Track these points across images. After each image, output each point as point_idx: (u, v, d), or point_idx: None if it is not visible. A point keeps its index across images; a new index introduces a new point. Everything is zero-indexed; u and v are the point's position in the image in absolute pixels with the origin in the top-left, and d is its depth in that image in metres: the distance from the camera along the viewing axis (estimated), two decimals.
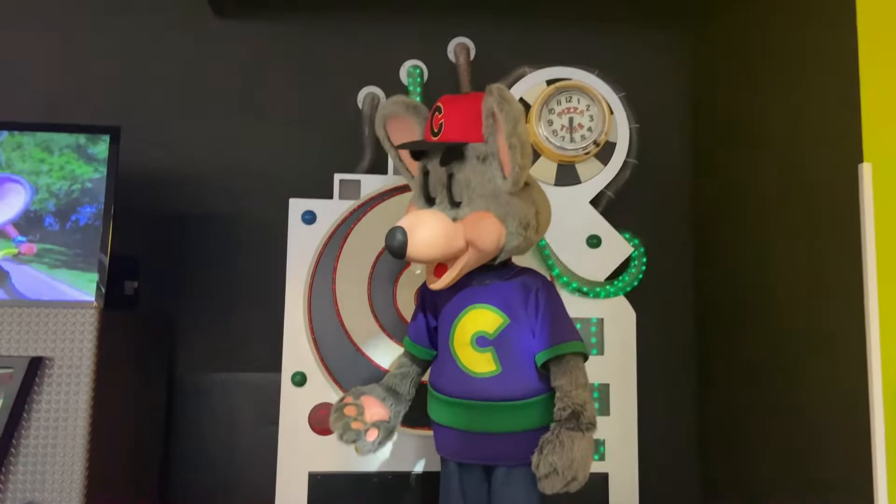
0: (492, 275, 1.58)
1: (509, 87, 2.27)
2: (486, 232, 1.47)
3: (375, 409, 1.62)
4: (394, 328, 2.12)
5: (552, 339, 1.51)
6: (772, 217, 1.80)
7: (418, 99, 2.34)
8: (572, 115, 2.17)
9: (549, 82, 2.27)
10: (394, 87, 2.40)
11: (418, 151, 1.57)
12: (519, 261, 1.68)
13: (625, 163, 2.21)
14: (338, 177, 2.20)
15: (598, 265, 2.16)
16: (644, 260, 2.20)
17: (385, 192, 2.18)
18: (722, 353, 2.10)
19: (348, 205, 2.17)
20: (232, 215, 2.36)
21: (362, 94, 2.40)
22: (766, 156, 1.86)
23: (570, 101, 2.19)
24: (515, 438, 1.51)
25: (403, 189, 2.18)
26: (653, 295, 2.30)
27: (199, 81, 2.43)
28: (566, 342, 1.51)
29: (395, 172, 2.22)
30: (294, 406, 2.07)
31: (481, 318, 1.54)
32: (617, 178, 2.21)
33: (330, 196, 2.19)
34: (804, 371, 1.66)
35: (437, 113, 1.54)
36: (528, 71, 2.30)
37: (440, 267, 1.52)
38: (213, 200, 2.37)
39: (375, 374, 2.07)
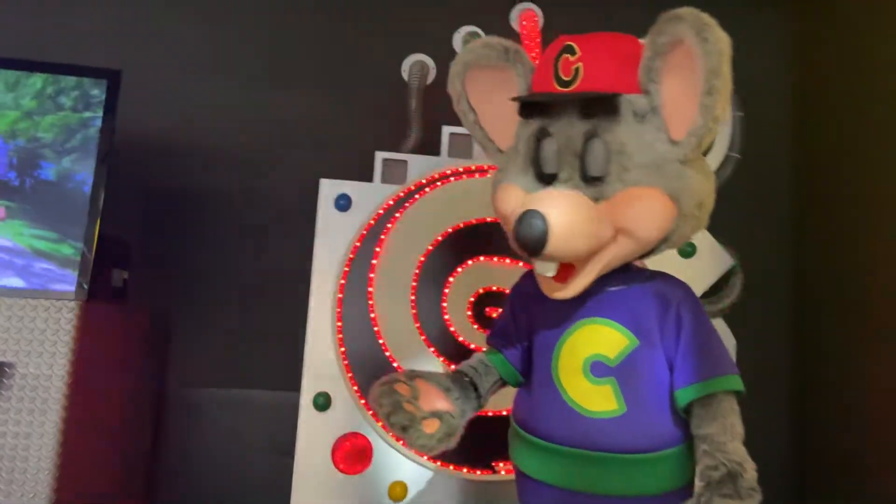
0: (615, 278, 1.18)
1: None
2: (649, 215, 1.09)
3: (435, 397, 1.20)
4: (442, 344, 1.77)
5: (701, 372, 1.13)
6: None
7: None
8: None
9: None
10: (446, 56, 2.06)
11: (528, 110, 1.16)
12: None
13: (726, 157, 1.88)
14: (380, 156, 1.85)
15: (691, 278, 1.80)
16: (741, 276, 1.87)
17: (438, 176, 1.82)
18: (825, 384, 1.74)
19: (392, 190, 1.81)
20: (248, 196, 1.99)
21: (408, 62, 2.05)
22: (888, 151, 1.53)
23: None
24: (648, 502, 1.14)
25: (461, 174, 1.83)
26: (751, 315, 1.94)
27: (214, 35, 2.07)
28: (720, 377, 1.13)
29: (452, 153, 1.86)
30: (314, 435, 1.72)
31: (599, 338, 1.16)
32: (717, 176, 1.86)
33: (369, 178, 1.84)
34: None
35: (566, 54, 1.12)
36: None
37: (565, 268, 1.13)
38: (225, 177, 2.00)
39: None
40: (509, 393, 1.73)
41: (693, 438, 1.12)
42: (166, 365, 1.95)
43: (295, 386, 1.76)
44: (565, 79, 1.12)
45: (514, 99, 1.17)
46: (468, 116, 1.25)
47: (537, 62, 1.19)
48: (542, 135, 1.14)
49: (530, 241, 1.01)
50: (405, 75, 2.05)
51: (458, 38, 2.09)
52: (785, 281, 2.08)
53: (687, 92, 1.05)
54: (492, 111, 1.23)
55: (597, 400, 1.13)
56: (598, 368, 1.14)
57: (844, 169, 1.82)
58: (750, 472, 1.07)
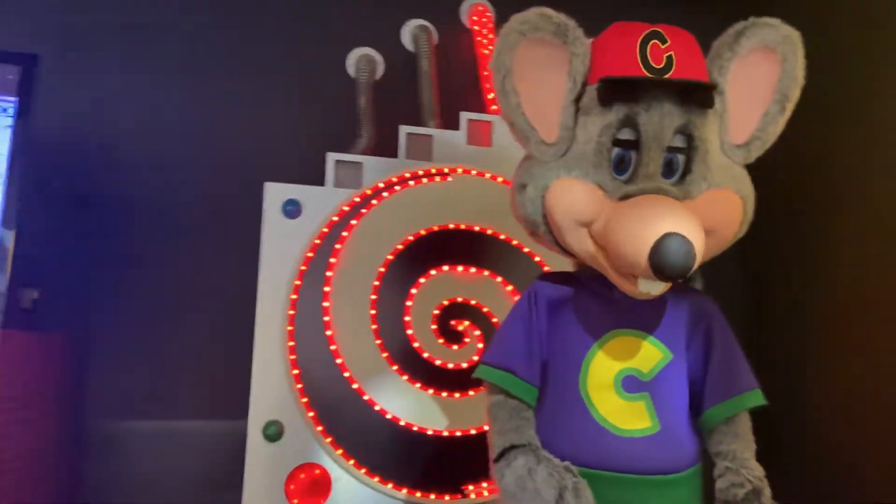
0: None
1: None
2: (732, 217, 1.07)
3: None
4: (406, 361, 1.64)
5: (732, 390, 1.10)
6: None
7: (428, 69, 1.88)
8: None
9: None
10: (393, 50, 1.95)
11: (611, 97, 1.04)
12: None
13: None
14: (332, 157, 1.69)
15: None
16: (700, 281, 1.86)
17: (397, 179, 1.69)
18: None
19: (346, 194, 1.67)
20: (181, 202, 1.77)
21: (353, 56, 1.92)
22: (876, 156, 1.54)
23: None
24: None
25: (421, 177, 1.71)
26: None
27: (141, 24, 1.84)
28: (747, 392, 1.10)
29: (410, 155, 1.74)
30: (265, 468, 1.54)
31: (632, 350, 1.09)
32: None
33: (320, 182, 1.68)
34: None
35: (654, 41, 1.04)
36: None
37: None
38: (152, 180, 1.78)
39: (381, 427, 1.59)
40: (474, 412, 1.64)
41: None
42: (83, 394, 1.71)
43: (238, 414, 1.59)
44: (656, 66, 1.03)
45: (611, 80, 1.03)
46: (510, 99, 1.06)
47: (606, 46, 1.08)
48: (625, 124, 1.04)
49: (678, 270, 0.92)
50: (351, 70, 1.92)
51: (406, 32, 1.98)
52: (739, 285, 2.09)
53: (754, 98, 1.09)
54: (538, 95, 1.07)
55: (629, 417, 1.06)
56: (630, 383, 1.08)
57: (796, 171, 1.83)
58: (768, 487, 1.05)
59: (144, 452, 1.72)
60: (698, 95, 1.05)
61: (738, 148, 1.12)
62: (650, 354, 1.09)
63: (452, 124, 1.81)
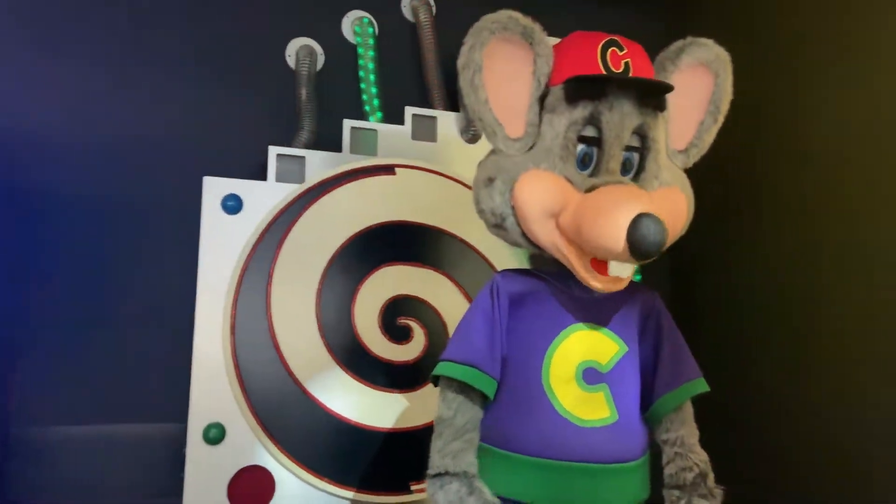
0: None
1: None
2: (681, 214, 1.12)
3: None
4: (352, 359, 1.62)
5: (681, 378, 1.15)
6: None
7: (371, 63, 1.86)
8: None
9: None
10: (334, 41, 1.91)
11: (576, 96, 1.08)
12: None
13: None
14: (274, 151, 1.65)
15: None
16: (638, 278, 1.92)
17: (341, 174, 1.67)
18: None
19: (289, 189, 1.63)
20: (110, 198, 1.68)
21: (293, 46, 1.88)
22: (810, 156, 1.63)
23: None
24: None
25: (366, 172, 1.69)
26: None
27: (62, 8, 1.73)
28: (694, 380, 1.16)
29: (354, 149, 1.71)
30: (207, 472, 1.51)
31: (591, 344, 1.12)
32: None
33: (262, 177, 1.64)
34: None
35: (613, 48, 1.10)
36: None
37: (597, 262, 1.06)
38: (80, 175, 1.68)
39: (327, 425, 1.57)
40: (420, 408, 1.64)
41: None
42: (7, 400, 1.62)
43: (175, 418, 1.54)
44: (616, 70, 1.08)
45: (582, 78, 1.07)
46: (479, 94, 1.08)
47: (568, 51, 1.12)
48: (590, 122, 1.08)
49: (653, 247, 0.95)
50: (290, 61, 1.88)
51: (347, 24, 1.95)
52: (663, 281, 2.14)
53: (691, 109, 1.19)
54: (504, 92, 1.10)
55: (590, 408, 1.09)
56: (590, 375, 1.11)
57: (714, 169, 1.90)
58: (711, 472, 1.12)
59: (75, 459, 1.63)
60: (654, 98, 1.11)
61: (679, 153, 1.21)
62: (607, 347, 1.13)
63: (396, 118, 1.80)
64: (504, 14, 1.07)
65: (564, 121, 1.09)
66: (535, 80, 1.11)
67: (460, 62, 1.09)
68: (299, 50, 1.87)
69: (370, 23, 1.93)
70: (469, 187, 1.74)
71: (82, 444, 1.63)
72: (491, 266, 1.74)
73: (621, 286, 1.08)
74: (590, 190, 1.06)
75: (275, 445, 1.55)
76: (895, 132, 1.45)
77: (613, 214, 0.98)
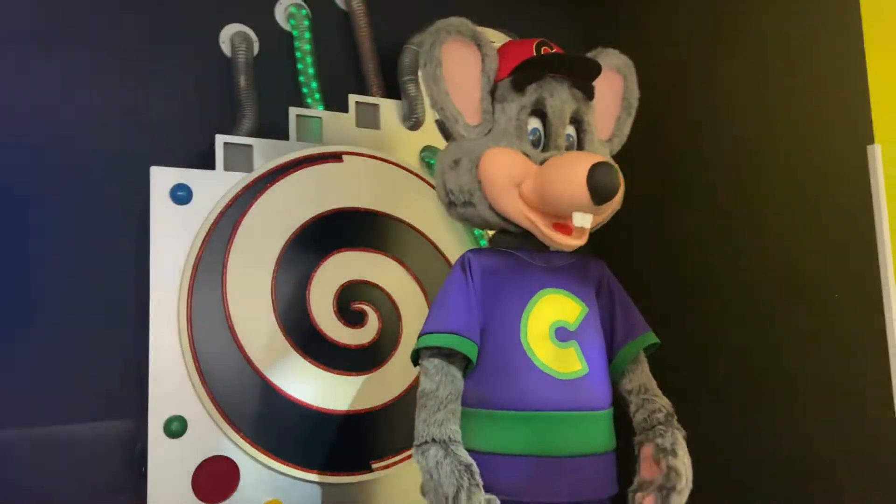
0: (560, 256, 1.32)
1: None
2: (621, 188, 1.25)
3: None
4: (309, 344, 1.67)
5: (636, 331, 1.33)
6: (775, 205, 1.77)
7: (308, 50, 1.89)
8: None
9: None
10: (267, 27, 1.92)
11: (523, 85, 1.25)
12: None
13: None
14: (221, 139, 1.65)
15: None
16: None
17: (290, 162, 1.70)
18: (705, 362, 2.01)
19: (238, 178, 1.65)
20: (52, 191, 1.62)
21: (227, 33, 1.87)
22: (756, 143, 1.83)
23: None
24: (604, 462, 1.25)
25: (313, 160, 1.73)
26: None
27: None
28: (647, 332, 1.34)
29: (301, 137, 1.74)
30: (170, 466, 1.51)
31: (559, 306, 1.26)
32: None
33: (208, 165, 1.64)
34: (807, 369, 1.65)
35: (545, 46, 1.30)
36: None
37: (560, 224, 1.22)
38: (17, 168, 1.60)
39: (289, 412, 1.62)
40: (377, 389, 1.71)
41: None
42: None
43: (134, 413, 1.53)
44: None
45: (529, 61, 1.24)
46: (441, 86, 1.25)
47: (507, 51, 1.30)
48: (537, 105, 1.26)
49: (610, 189, 1.12)
50: (224, 48, 1.87)
51: (280, 11, 1.96)
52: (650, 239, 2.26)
53: (609, 106, 1.41)
54: (460, 84, 1.27)
55: (565, 362, 1.22)
56: (561, 333, 1.24)
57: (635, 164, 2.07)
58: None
59: (30, 462, 1.57)
60: (584, 87, 1.31)
61: (604, 142, 1.42)
62: (573, 308, 1.27)
63: (336, 106, 1.84)
64: (457, 20, 1.26)
65: (515, 106, 1.27)
66: (484, 76, 1.29)
67: (422, 58, 1.26)
68: (233, 36, 1.86)
69: (304, 10, 1.95)
70: (413, 173, 1.84)
71: (37, 446, 1.58)
72: (438, 249, 1.84)
73: (583, 241, 1.25)
74: (544, 162, 1.22)
75: (237, 434, 1.57)
76: (789, 127, 1.67)
77: (573, 168, 1.15)
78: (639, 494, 1.21)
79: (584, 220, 1.18)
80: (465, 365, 1.24)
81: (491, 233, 1.40)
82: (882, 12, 1.56)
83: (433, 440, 1.16)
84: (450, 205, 1.32)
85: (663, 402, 1.29)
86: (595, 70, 1.29)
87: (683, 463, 1.19)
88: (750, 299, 1.77)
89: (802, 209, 1.64)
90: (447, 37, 1.24)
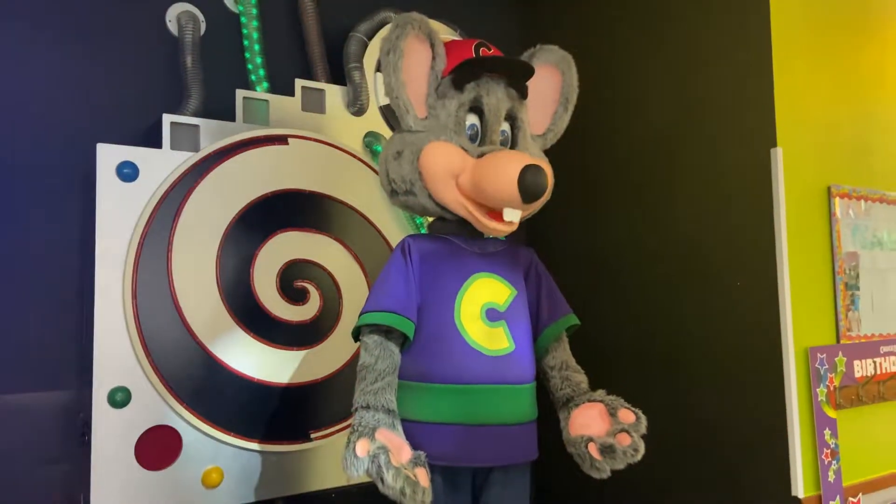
0: (492, 243, 1.45)
1: (373, 31, 2.05)
2: (550, 182, 1.38)
3: (400, 444, 1.26)
4: (252, 320, 1.75)
5: (560, 312, 1.47)
6: (679, 200, 1.92)
7: (255, 33, 1.93)
8: None
9: None
10: (214, 7, 1.96)
11: (463, 82, 1.36)
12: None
13: None
14: (168, 119, 1.70)
15: None
16: None
17: (237, 143, 1.76)
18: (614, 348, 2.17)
19: (184, 157, 1.70)
20: None
21: (172, 12, 1.90)
22: (665, 142, 1.98)
23: None
24: (527, 430, 1.39)
25: (260, 141, 1.80)
26: None
27: None
28: (569, 314, 1.48)
29: (247, 119, 1.80)
30: (114, 435, 1.57)
31: (490, 289, 1.39)
32: None
33: (154, 144, 1.68)
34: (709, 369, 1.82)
35: (483, 47, 1.41)
36: (393, 17, 2.08)
37: (493, 212, 1.33)
38: None
39: (231, 384, 1.70)
40: (317, 363, 1.81)
41: None
42: None
43: (81, 383, 1.58)
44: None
45: (469, 61, 1.35)
46: (399, 77, 1.32)
47: (450, 51, 1.40)
48: (474, 103, 1.36)
49: (538, 190, 1.23)
50: (171, 27, 1.90)
51: None
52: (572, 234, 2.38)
53: (546, 101, 1.50)
54: (414, 78, 1.36)
55: (494, 340, 1.35)
56: (492, 314, 1.37)
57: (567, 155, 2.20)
58: None
59: None
60: (518, 87, 1.42)
61: (538, 137, 1.53)
62: (502, 291, 1.40)
63: (281, 89, 1.91)
64: (419, 16, 1.34)
65: (455, 103, 1.37)
66: (433, 73, 1.39)
67: (385, 46, 1.33)
68: (181, 15, 1.89)
69: None
70: (357, 157, 1.93)
71: None
72: (377, 230, 1.94)
73: (513, 229, 1.37)
74: (480, 156, 1.34)
75: (180, 404, 1.64)
76: (702, 129, 1.83)
77: (506, 168, 1.26)
78: (620, 435, 1.30)
79: (513, 216, 1.31)
80: (403, 341, 1.35)
81: (431, 219, 1.51)
82: (789, 27, 1.73)
83: (369, 406, 1.28)
84: (392, 193, 1.43)
85: (582, 377, 1.45)
86: (528, 72, 1.41)
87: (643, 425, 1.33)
88: (661, 284, 1.94)
89: (711, 205, 1.81)
90: (411, 31, 1.33)
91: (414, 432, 1.29)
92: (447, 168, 1.33)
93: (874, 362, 1.78)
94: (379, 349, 1.33)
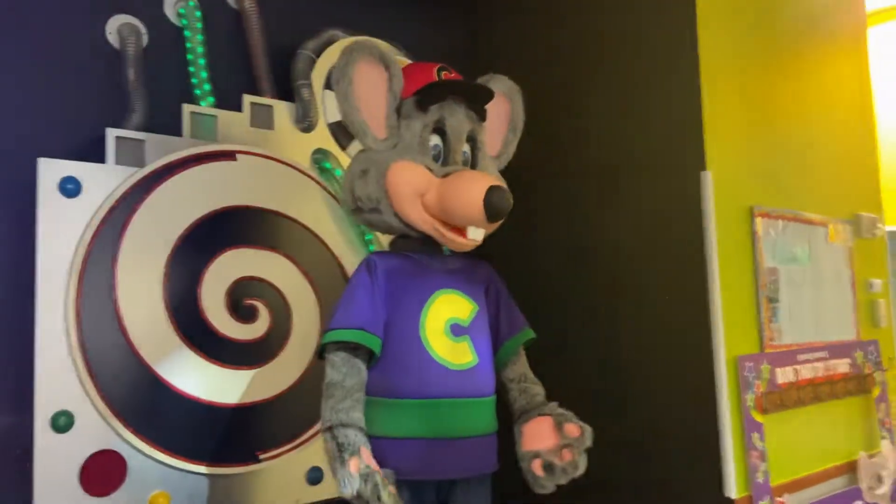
0: (453, 260, 1.50)
1: (320, 49, 2.08)
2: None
3: (376, 464, 1.28)
4: (200, 339, 1.72)
5: (517, 326, 1.54)
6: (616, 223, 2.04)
7: (200, 47, 1.92)
8: None
9: None
10: (156, 20, 1.93)
11: (427, 104, 1.41)
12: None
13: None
14: (112, 133, 1.67)
15: None
16: None
17: (183, 159, 1.74)
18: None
19: (128, 172, 1.67)
20: None
21: (113, 24, 1.86)
22: (599, 168, 2.09)
23: None
24: (488, 442, 1.43)
25: (207, 157, 1.78)
26: None
27: None
28: (527, 328, 1.56)
29: (194, 134, 1.78)
30: (57, 461, 1.52)
31: (453, 304, 1.44)
32: None
33: (98, 159, 1.64)
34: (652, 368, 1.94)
35: (444, 71, 1.47)
36: (341, 36, 2.11)
37: (457, 229, 1.39)
38: None
39: (178, 405, 1.68)
40: (266, 382, 1.80)
41: None
42: None
43: (21, 409, 1.52)
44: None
45: (433, 84, 1.41)
46: (351, 102, 1.37)
47: (411, 73, 1.46)
48: (438, 124, 1.42)
49: (502, 211, 1.31)
50: (111, 38, 1.86)
51: (169, 5, 1.96)
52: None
53: (497, 127, 1.60)
54: (369, 101, 1.40)
55: (458, 355, 1.40)
56: (456, 329, 1.42)
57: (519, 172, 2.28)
58: None
59: None
60: (478, 109, 1.49)
61: (494, 159, 1.61)
62: (465, 307, 1.46)
63: (227, 104, 1.89)
64: (368, 41, 1.42)
65: (419, 124, 1.43)
66: (390, 94, 1.44)
67: (335, 76, 1.39)
68: (121, 28, 1.85)
69: (195, 6, 1.97)
70: (306, 174, 1.94)
71: None
72: (327, 247, 1.95)
73: (475, 245, 1.42)
74: (445, 175, 1.39)
75: (125, 428, 1.60)
76: (638, 154, 1.95)
77: (472, 188, 1.33)
78: (565, 450, 1.37)
79: (476, 234, 1.37)
80: (369, 358, 1.38)
81: (381, 235, 1.55)
82: (716, 63, 1.87)
83: (341, 424, 1.29)
84: (356, 210, 1.46)
85: (539, 389, 1.53)
86: (488, 95, 1.48)
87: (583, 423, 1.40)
88: (601, 297, 2.04)
89: (646, 226, 1.93)
90: (359, 57, 1.38)
91: (380, 447, 1.31)
92: (413, 187, 1.38)
93: (794, 369, 1.93)
94: (346, 366, 1.35)
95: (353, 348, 1.36)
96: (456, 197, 1.33)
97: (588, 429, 1.39)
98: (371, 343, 1.35)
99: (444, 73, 1.48)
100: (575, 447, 1.36)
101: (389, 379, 1.37)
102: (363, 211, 1.45)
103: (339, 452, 1.23)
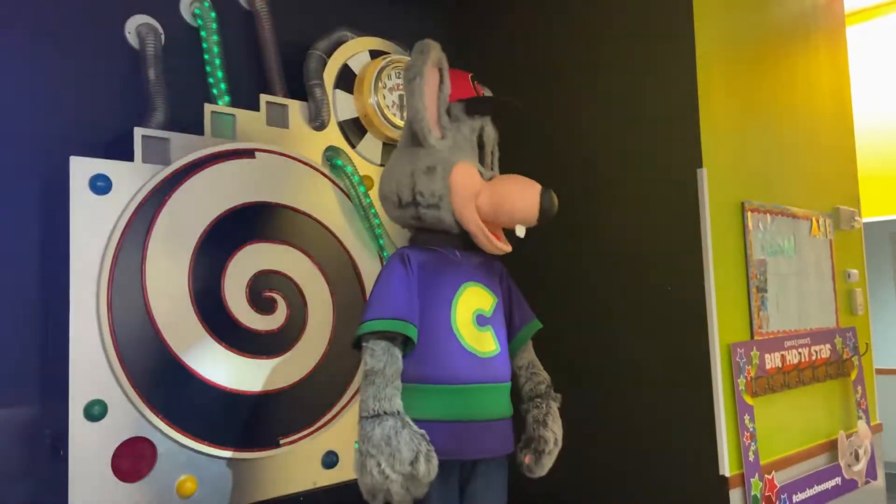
0: (475, 255, 1.59)
1: (331, 49, 2.15)
2: None
3: None
4: (224, 329, 1.80)
5: (528, 317, 1.65)
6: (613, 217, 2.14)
7: (216, 47, 1.98)
8: (403, 93, 2.16)
9: (373, 54, 2.20)
10: (172, 20, 1.98)
11: (474, 111, 1.55)
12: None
13: None
14: (139, 132, 1.73)
15: None
16: None
17: (206, 157, 1.81)
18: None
19: (155, 170, 1.74)
20: None
21: (132, 24, 1.91)
22: (601, 161, 2.19)
23: (399, 77, 2.17)
24: (507, 425, 1.54)
25: (228, 155, 1.85)
26: None
27: None
28: (535, 320, 1.67)
29: (215, 133, 1.85)
30: (90, 448, 1.59)
31: (478, 296, 1.54)
32: None
33: (126, 156, 1.71)
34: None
35: (476, 81, 1.60)
36: (350, 36, 2.18)
37: (496, 232, 1.52)
38: None
39: (204, 393, 1.76)
40: (284, 371, 1.88)
41: None
42: None
43: (57, 397, 1.58)
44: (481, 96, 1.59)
45: (483, 98, 1.59)
46: (423, 102, 1.47)
47: (452, 80, 1.54)
48: (480, 131, 1.56)
49: (553, 211, 1.44)
50: (130, 39, 1.91)
51: (185, 6, 2.01)
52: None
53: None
54: (430, 103, 1.50)
55: (484, 343, 1.51)
56: (481, 320, 1.53)
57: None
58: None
59: None
60: (498, 124, 1.63)
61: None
62: (488, 298, 1.56)
63: (243, 103, 1.96)
64: (437, 45, 1.49)
65: (468, 128, 1.56)
66: (441, 97, 1.53)
67: (412, 73, 1.47)
68: (140, 28, 1.90)
69: (207, 2, 2.02)
70: (319, 171, 2.02)
71: None
72: (339, 241, 2.03)
73: (508, 250, 1.55)
74: (489, 179, 1.52)
75: (155, 415, 1.67)
76: (636, 154, 2.06)
77: (527, 190, 1.46)
78: (523, 451, 1.57)
79: (521, 231, 1.49)
80: (404, 346, 1.47)
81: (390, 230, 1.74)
82: (711, 65, 1.98)
83: (385, 412, 1.38)
84: (409, 204, 1.52)
85: (545, 376, 1.64)
86: (515, 114, 1.62)
87: (552, 431, 1.55)
88: (603, 289, 2.16)
89: (643, 222, 2.04)
90: (428, 59, 1.47)
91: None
92: (473, 188, 1.48)
93: (781, 355, 2.07)
94: (386, 354, 1.43)
95: (391, 337, 1.45)
96: (514, 197, 1.45)
97: (550, 439, 1.56)
98: (409, 332, 1.44)
99: (476, 82, 1.62)
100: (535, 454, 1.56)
101: (422, 366, 1.46)
102: (420, 206, 1.50)
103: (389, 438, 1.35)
